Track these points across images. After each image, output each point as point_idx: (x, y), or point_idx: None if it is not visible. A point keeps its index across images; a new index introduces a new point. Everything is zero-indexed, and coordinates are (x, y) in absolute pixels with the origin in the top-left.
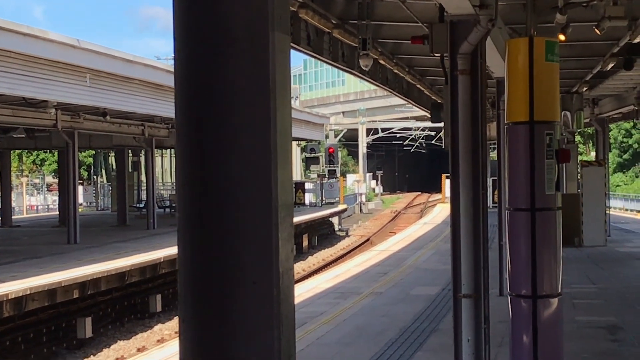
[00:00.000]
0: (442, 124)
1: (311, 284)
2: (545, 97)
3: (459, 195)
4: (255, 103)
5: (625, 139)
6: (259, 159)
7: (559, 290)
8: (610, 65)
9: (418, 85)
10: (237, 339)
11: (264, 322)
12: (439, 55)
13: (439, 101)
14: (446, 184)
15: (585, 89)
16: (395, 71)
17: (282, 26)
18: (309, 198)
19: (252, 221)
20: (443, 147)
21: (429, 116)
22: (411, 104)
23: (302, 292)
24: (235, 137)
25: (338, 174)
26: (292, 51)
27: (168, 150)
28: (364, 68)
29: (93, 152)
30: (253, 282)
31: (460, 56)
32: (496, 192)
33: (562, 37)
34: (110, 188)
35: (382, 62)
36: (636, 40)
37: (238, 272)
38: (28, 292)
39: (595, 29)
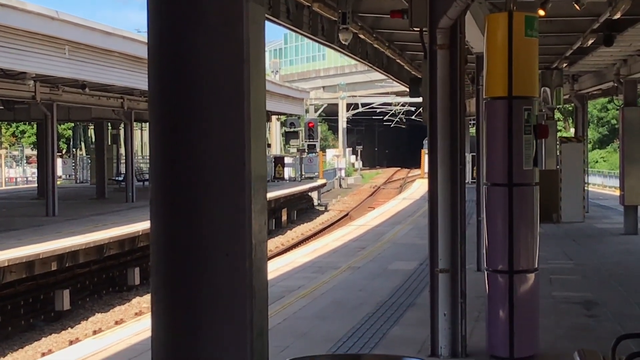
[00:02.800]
0: (421, 99)
1: (289, 258)
2: (524, 73)
3: (436, 171)
4: (229, 74)
5: (602, 113)
6: (232, 131)
7: (536, 266)
8: (591, 42)
9: (398, 60)
10: (209, 311)
11: (236, 294)
12: (419, 29)
13: (419, 76)
14: (425, 159)
15: (565, 65)
16: (375, 46)
17: None
18: (288, 172)
19: (225, 193)
20: (422, 122)
21: (409, 91)
22: (391, 78)
23: (280, 266)
24: (208, 110)
25: (317, 149)
26: (272, 25)
27: (147, 123)
28: (343, 42)
29: (72, 124)
30: (226, 254)
31: (439, 30)
32: (475, 168)
33: (541, 13)
34: (90, 161)
35: (362, 36)
36: (616, 17)
37: (210, 244)
38: (6, 264)
39: (575, 5)
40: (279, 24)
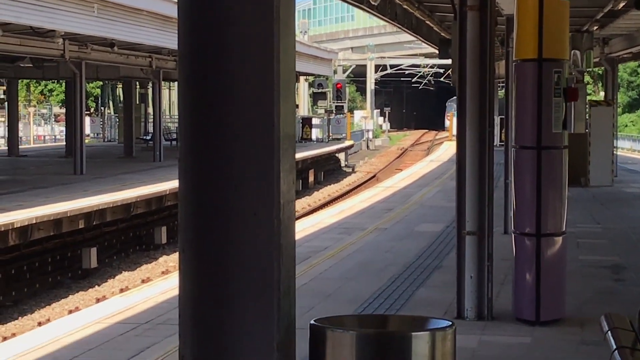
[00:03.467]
0: (450, 61)
1: (316, 219)
2: (554, 35)
3: (465, 133)
4: (259, 33)
5: (632, 77)
6: (262, 90)
7: (563, 229)
8: (622, 5)
9: (427, 22)
10: (237, 269)
11: (264, 253)
12: None
13: (448, 37)
14: (453, 121)
15: (595, 27)
16: (405, 7)
17: None
18: (315, 134)
19: (254, 152)
20: (451, 84)
21: (438, 53)
22: (420, 40)
23: (307, 226)
24: (237, 69)
25: (345, 110)
26: None
27: (175, 82)
28: (372, 3)
29: (101, 83)
30: (254, 213)
31: None
32: (503, 130)
33: None
34: (117, 120)
35: None
36: None
37: (239, 203)
38: (34, 222)
39: None
40: None
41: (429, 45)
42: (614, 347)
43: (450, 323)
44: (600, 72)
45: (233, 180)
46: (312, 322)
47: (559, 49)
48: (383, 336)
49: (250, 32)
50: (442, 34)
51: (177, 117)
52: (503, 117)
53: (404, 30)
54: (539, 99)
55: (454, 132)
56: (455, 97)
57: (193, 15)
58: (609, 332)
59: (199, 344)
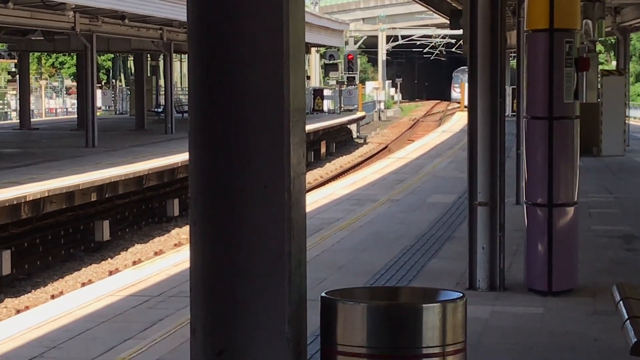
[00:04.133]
0: (461, 32)
1: (328, 191)
2: (565, 5)
3: (476, 103)
4: (268, 5)
5: None
6: (271, 63)
7: (575, 199)
8: None
9: None
10: (247, 243)
11: (275, 225)
12: None
13: (459, 8)
14: (465, 91)
15: None
16: None
17: None
18: (327, 105)
19: (264, 125)
20: (463, 54)
21: (449, 23)
22: (431, 10)
23: (319, 198)
24: (247, 40)
25: (357, 81)
26: None
27: (187, 55)
28: None
29: (112, 55)
30: (264, 186)
31: None
32: (515, 100)
33: None
34: (129, 92)
35: None
36: None
37: (249, 175)
38: (46, 195)
39: None
40: None
41: (440, 15)
42: (626, 316)
43: (461, 295)
44: (612, 41)
45: (243, 153)
46: (323, 294)
47: (570, 19)
48: (394, 308)
49: (260, 5)
50: (454, 4)
51: (187, 89)
52: (514, 87)
53: (415, 1)
54: (550, 69)
55: (466, 102)
56: (462, 67)
57: None
58: (621, 301)
59: (210, 317)
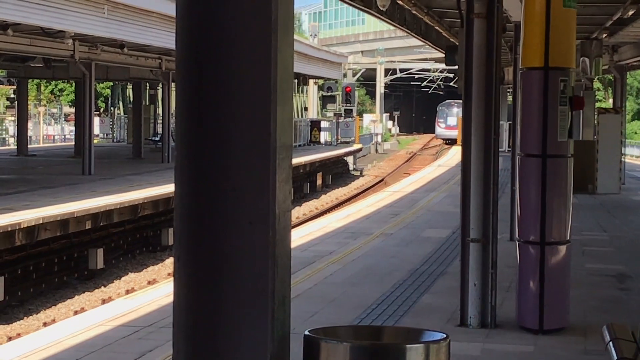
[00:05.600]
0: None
1: (322, 223)
2: (561, 43)
3: (470, 140)
4: (256, 42)
5: None
6: (258, 99)
7: (568, 238)
8: (631, 12)
9: (436, 27)
10: (232, 279)
11: (259, 263)
12: None
13: (457, 43)
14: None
15: (604, 35)
16: (414, 12)
17: None
18: (324, 136)
19: (250, 161)
20: (458, 91)
21: (444, 59)
22: (429, 45)
23: (313, 230)
24: (234, 76)
25: (354, 114)
26: None
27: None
28: (381, 8)
29: (111, 83)
30: (249, 223)
31: None
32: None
33: None
34: (127, 120)
35: (400, 2)
36: None
37: (235, 211)
38: (41, 222)
39: None
40: None
41: (438, 50)
42: (615, 358)
43: (445, 335)
44: (611, 78)
45: (229, 189)
46: (306, 332)
47: (565, 57)
48: (377, 348)
49: (248, 41)
50: (452, 40)
51: (175, 124)
52: (511, 122)
53: (413, 36)
54: (545, 107)
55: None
56: (447, 101)
57: (191, 25)
58: (611, 342)
59: (192, 353)
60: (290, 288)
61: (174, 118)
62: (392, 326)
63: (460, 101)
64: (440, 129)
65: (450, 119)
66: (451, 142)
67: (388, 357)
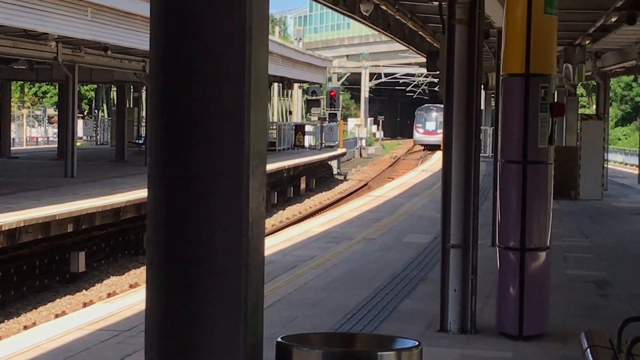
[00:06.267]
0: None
1: (304, 227)
2: (542, 50)
3: (451, 145)
4: (230, 49)
5: (626, 92)
6: (232, 106)
7: (548, 244)
8: (614, 19)
9: (420, 32)
10: (204, 286)
11: (232, 271)
12: (438, 2)
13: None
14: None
15: (587, 42)
16: (397, 17)
17: None
18: (308, 140)
19: (223, 168)
20: (439, 96)
21: (426, 65)
22: (413, 50)
23: (295, 235)
24: (208, 83)
25: (339, 118)
26: None
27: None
28: (364, 13)
29: (95, 86)
30: (223, 230)
31: (458, 5)
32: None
33: None
34: (111, 123)
35: (383, 7)
36: None
37: (208, 219)
38: (22, 225)
39: None
40: None
41: (422, 55)
42: None
43: (417, 343)
44: (594, 84)
45: (202, 196)
46: (278, 339)
47: (546, 64)
48: (349, 355)
49: (222, 47)
50: (435, 45)
51: (147, 131)
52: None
53: (397, 41)
54: (526, 114)
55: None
56: (426, 105)
57: (165, 31)
58: (588, 349)
59: None
60: (264, 295)
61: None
62: (364, 333)
63: (440, 105)
64: (418, 135)
65: (429, 124)
66: (430, 148)
67: None
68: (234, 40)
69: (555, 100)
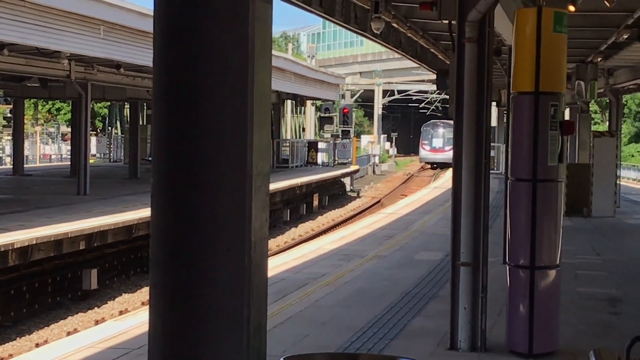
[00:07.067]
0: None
1: (316, 245)
2: (551, 68)
3: (461, 164)
4: (233, 68)
5: None
6: (235, 127)
7: (557, 262)
8: (625, 37)
9: (432, 50)
10: (207, 306)
11: (235, 290)
12: (447, 21)
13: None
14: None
15: (599, 59)
16: (409, 35)
17: None
18: (321, 157)
19: (226, 189)
20: (449, 114)
21: (436, 84)
22: (424, 67)
23: (306, 252)
24: (211, 103)
25: (352, 135)
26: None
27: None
28: (375, 31)
29: (109, 103)
30: (227, 250)
31: (468, 24)
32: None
33: (572, 8)
34: (124, 140)
35: (395, 25)
36: None
37: (211, 239)
38: (34, 242)
39: (605, 1)
40: (311, 12)
41: (433, 72)
42: None
43: None
44: (608, 101)
45: (206, 216)
46: (281, 359)
47: (555, 82)
48: None
49: (225, 68)
50: (447, 62)
51: (151, 152)
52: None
53: (409, 58)
54: (535, 132)
55: None
56: (432, 121)
57: (169, 52)
58: None
59: None
60: (267, 315)
61: None
62: (368, 354)
63: (447, 121)
64: (424, 152)
65: (435, 141)
66: (437, 166)
67: None
68: (237, 61)
69: (566, 118)
